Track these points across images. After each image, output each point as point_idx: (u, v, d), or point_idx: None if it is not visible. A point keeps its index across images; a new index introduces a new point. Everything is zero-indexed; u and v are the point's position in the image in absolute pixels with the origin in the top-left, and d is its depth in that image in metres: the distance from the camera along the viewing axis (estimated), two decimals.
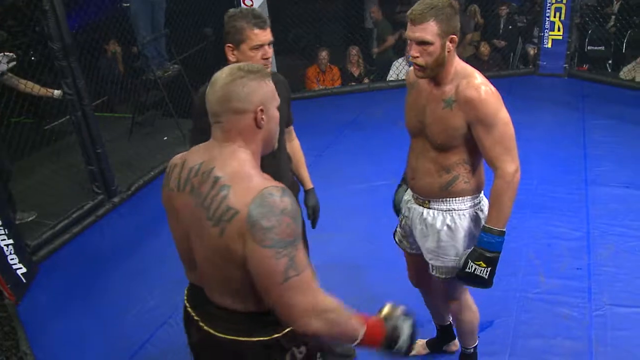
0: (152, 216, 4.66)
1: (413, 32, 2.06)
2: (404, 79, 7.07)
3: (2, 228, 3.65)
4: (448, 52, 2.08)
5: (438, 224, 2.32)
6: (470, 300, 2.61)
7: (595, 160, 4.93)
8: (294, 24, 7.63)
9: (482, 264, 2.20)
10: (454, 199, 2.29)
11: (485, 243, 2.19)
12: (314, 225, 2.83)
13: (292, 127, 2.74)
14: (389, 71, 7.48)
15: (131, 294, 3.70)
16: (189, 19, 6.45)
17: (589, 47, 7.43)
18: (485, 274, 2.22)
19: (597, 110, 6.07)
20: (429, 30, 2.03)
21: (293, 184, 2.71)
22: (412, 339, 1.68)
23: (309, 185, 2.83)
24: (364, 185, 4.73)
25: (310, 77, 7.33)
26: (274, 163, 2.46)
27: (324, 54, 7.22)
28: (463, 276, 2.26)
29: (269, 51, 2.33)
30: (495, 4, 7.88)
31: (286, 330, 1.63)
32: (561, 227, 4.00)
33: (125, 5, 6.04)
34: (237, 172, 1.49)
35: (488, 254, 2.20)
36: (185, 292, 1.83)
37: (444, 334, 2.96)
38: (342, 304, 1.54)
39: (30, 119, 5.12)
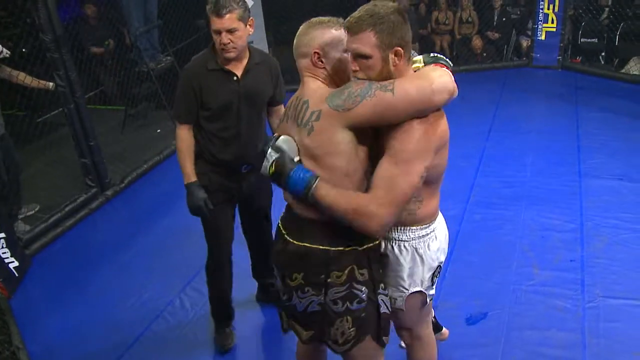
0: (145, 209, 4.65)
1: (350, 42, 1.82)
2: None
3: None
4: (394, 66, 1.81)
5: (381, 249, 2.12)
6: (429, 337, 2.40)
7: (589, 153, 4.94)
8: (290, 14, 7.59)
9: (273, 167, 1.90)
10: (396, 227, 2.05)
11: (297, 175, 1.86)
12: None
13: (281, 106, 2.88)
14: None
15: (125, 287, 3.69)
16: (181, 11, 6.40)
17: (582, 40, 7.43)
18: (266, 170, 1.93)
19: (590, 103, 6.08)
20: (366, 41, 1.77)
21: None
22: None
23: None
24: None
25: None
26: (237, 141, 2.75)
27: None
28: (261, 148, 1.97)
29: (226, 37, 2.52)
30: None
31: (350, 249, 1.94)
32: (555, 219, 4.01)
33: None
34: (311, 90, 1.92)
35: (285, 171, 1.88)
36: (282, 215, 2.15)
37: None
38: None
39: (22, 111, 5.07)
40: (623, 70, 6.87)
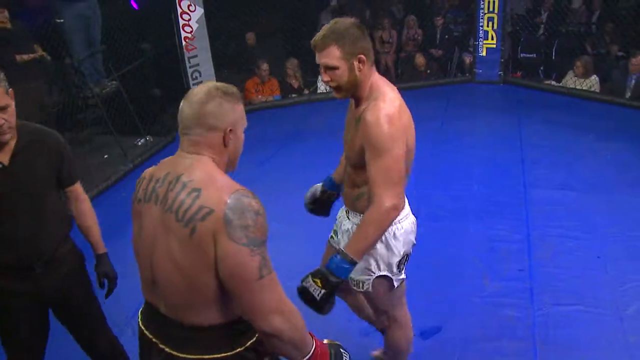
0: None
1: (319, 58, 2.09)
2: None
3: None
4: (359, 71, 2.08)
5: (349, 235, 2.33)
6: (404, 318, 2.54)
7: (532, 164, 5.10)
8: (233, 37, 7.63)
9: (319, 282, 2.06)
10: (360, 214, 2.27)
11: (334, 266, 2.05)
12: (107, 295, 2.57)
13: (77, 186, 2.44)
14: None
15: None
16: (125, 35, 6.32)
17: (521, 55, 7.71)
18: (317, 295, 2.05)
19: (531, 115, 6.29)
20: (332, 55, 2.05)
21: (70, 251, 2.42)
22: None
23: (101, 249, 2.54)
24: None
25: (249, 89, 7.33)
26: (19, 239, 2.23)
27: (264, 66, 7.23)
28: (299, 289, 2.10)
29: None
30: (432, 14, 8.09)
31: (249, 343, 1.66)
32: (502, 230, 4.11)
33: (58, 21, 5.87)
34: (206, 176, 1.55)
35: (331, 278, 2.05)
36: (140, 315, 1.77)
37: None
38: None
39: None
40: (561, 84, 7.14)
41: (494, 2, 7.19)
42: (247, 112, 1.89)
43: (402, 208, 2.13)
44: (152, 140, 6.14)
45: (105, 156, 5.89)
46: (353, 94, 2.15)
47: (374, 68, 2.16)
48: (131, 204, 1.73)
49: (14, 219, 2.19)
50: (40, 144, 2.24)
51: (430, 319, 3.28)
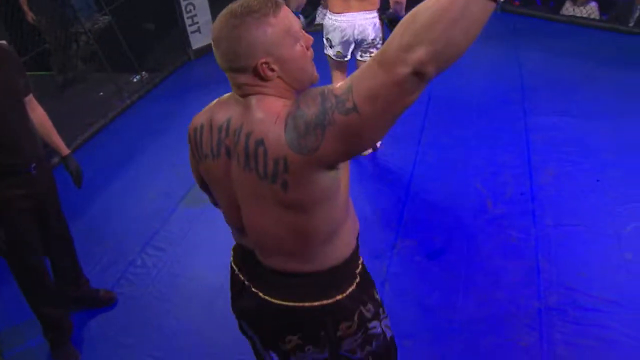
0: (93, 173, 4.52)
1: None
2: None
3: None
4: None
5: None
6: None
7: (532, 92, 5.08)
8: None
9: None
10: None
11: None
12: (79, 185, 2.88)
13: (31, 96, 2.59)
14: None
15: (83, 252, 3.63)
16: None
17: None
18: None
19: (530, 44, 6.22)
20: None
21: (48, 169, 2.71)
22: None
23: (66, 150, 2.81)
24: None
25: None
26: (24, 131, 2.49)
27: None
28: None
29: None
30: None
31: (349, 291, 1.54)
32: (504, 156, 4.14)
33: None
34: (261, 121, 1.33)
35: None
36: (232, 253, 1.69)
37: None
38: None
39: None
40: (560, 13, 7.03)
41: None
42: None
43: None
44: (147, 76, 6.06)
45: (101, 93, 5.81)
46: None
47: None
48: (191, 161, 1.60)
49: (8, 124, 2.38)
50: (4, 53, 2.38)
51: (436, 241, 3.36)
